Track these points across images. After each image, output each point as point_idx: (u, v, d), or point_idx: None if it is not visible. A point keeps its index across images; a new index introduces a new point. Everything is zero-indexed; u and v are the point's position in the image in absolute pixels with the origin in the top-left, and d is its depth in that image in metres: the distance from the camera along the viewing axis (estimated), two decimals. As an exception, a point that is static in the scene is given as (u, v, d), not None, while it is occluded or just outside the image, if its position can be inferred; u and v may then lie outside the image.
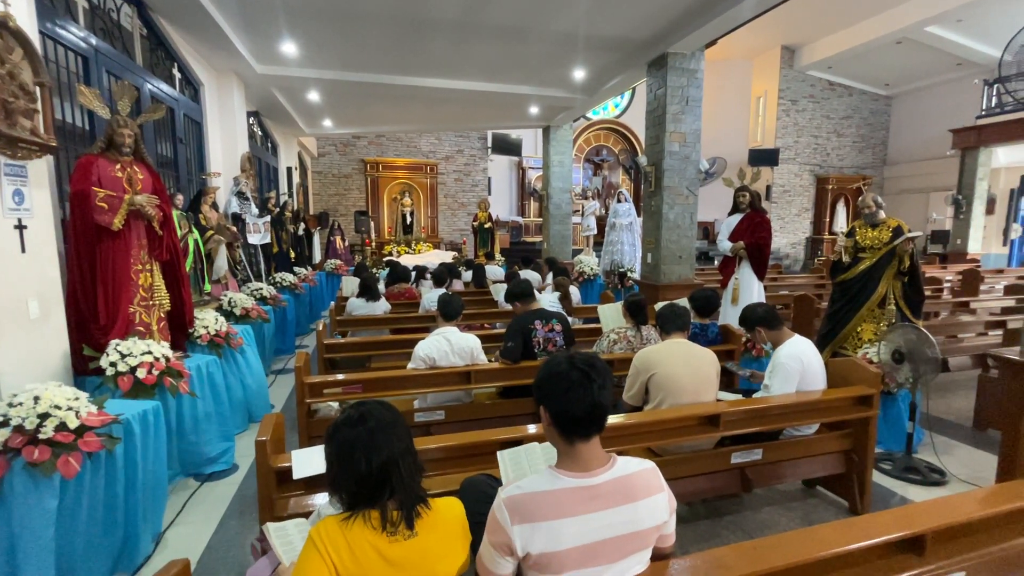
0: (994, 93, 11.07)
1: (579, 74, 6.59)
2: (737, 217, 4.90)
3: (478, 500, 1.76)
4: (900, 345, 3.22)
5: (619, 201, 7.08)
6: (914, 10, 10.86)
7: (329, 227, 9.80)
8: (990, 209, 12.13)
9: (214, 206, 4.96)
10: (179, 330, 3.43)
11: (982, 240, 11.83)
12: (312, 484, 1.93)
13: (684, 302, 3.35)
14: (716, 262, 8.70)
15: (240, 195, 5.74)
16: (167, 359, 2.94)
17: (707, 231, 14.47)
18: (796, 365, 2.70)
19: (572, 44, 5.68)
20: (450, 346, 3.12)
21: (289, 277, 6.65)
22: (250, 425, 4.04)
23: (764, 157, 13.78)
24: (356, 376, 3.05)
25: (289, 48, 5.72)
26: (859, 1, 10.99)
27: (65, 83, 3.44)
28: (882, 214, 3.82)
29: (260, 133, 8.19)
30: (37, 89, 2.60)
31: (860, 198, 3.91)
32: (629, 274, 7.09)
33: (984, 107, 11.13)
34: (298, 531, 1.43)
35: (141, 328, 3.09)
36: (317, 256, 9.05)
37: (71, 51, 3.49)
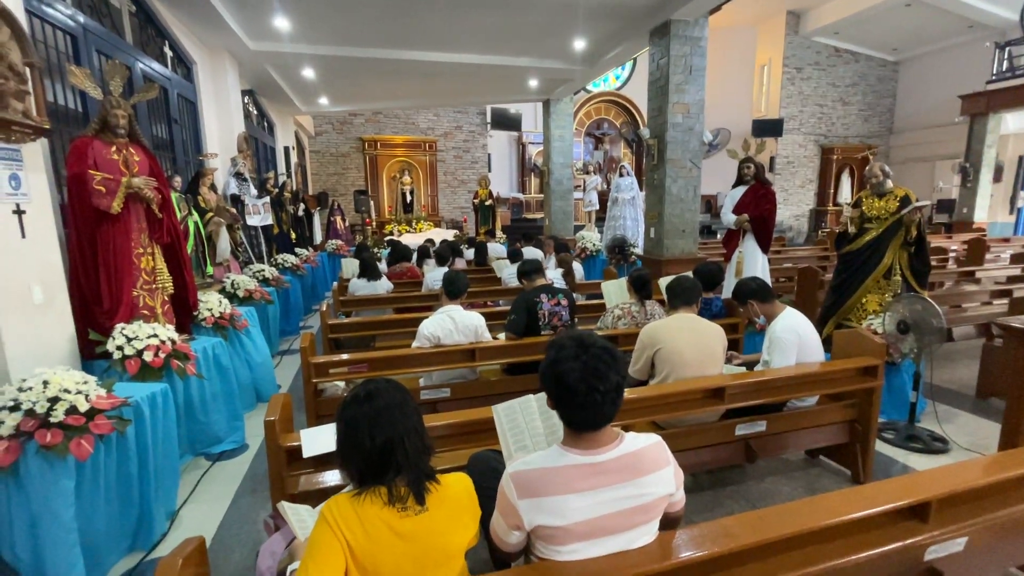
0: (1006, 57, 10.78)
1: (579, 44, 6.43)
2: (741, 189, 4.84)
3: (485, 474, 1.79)
4: (905, 316, 3.21)
5: (621, 175, 6.99)
6: (925, -29, 10.51)
7: (329, 207, 9.74)
8: (997, 177, 11.94)
9: (212, 188, 4.91)
10: (183, 313, 3.43)
11: (988, 209, 11.69)
12: (322, 462, 1.95)
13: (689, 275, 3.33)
14: (720, 235, 8.64)
15: (238, 176, 5.68)
16: (173, 342, 2.95)
17: (710, 204, 14.33)
18: (792, 338, 2.70)
19: (572, 12, 5.52)
20: (454, 324, 3.12)
21: (291, 258, 6.64)
22: (258, 405, 4.09)
23: (768, 128, 13.55)
24: (361, 355, 3.06)
25: (281, 23, 5.58)
26: (868, -38, 10.63)
27: (55, 64, 3.37)
28: (889, 183, 3.77)
29: (256, 112, 8.07)
30: (27, 70, 2.54)
31: (867, 167, 3.85)
32: (632, 249, 7.04)
33: (995, 71, 10.84)
34: (310, 514, 1.45)
35: (145, 312, 3.09)
36: (318, 237, 9.02)
37: (59, 30, 3.41)
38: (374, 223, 11.57)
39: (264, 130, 8.41)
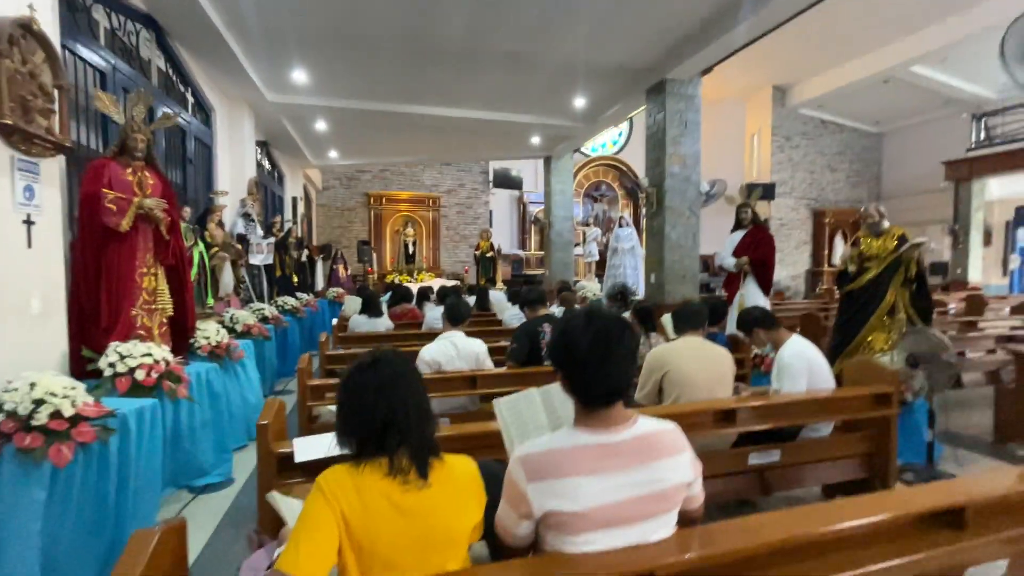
0: (983, 127, 11.40)
1: (580, 102, 6.80)
2: (740, 233, 4.93)
3: (489, 482, 1.69)
4: (915, 349, 3.16)
5: (620, 226, 7.16)
6: (900, 50, 11.27)
7: (332, 256, 9.87)
8: (987, 241, 12.24)
9: (220, 224, 4.99)
10: (180, 336, 3.38)
11: (982, 270, 11.88)
12: (316, 471, 1.84)
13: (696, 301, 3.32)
14: (719, 289, 8.67)
15: (246, 216, 5.80)
16: (167, 362, 2.88)
17: (707, 264, 14.52)
18: (802, 364, 2.65)
19: (573, 73, 5.88)
20: (456, 351, 3.07)
21: (291, 300, 6.62)
22: (247, 442, 3.91)
23: (769, 192, 13.99)
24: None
25: (300, 76, 5.92)
26: (846, 41, 11.42)
27: (83, 105, 3.52)
28: (886, 223, 3.85)
29: (268, 164, 8.37)
30: (55, 92, 2.66)
31: (862, 208, 3.95)
32: (632, 297, 7.06)
33: (974, 140, 11.42)
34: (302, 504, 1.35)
35: (142, 332, 3.04)
36: (320, 284, 9.07)
37: (90, 66, 3.60)
38: (376, 274, 11.68)
39: (274, 180, 8.69)
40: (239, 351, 3.93)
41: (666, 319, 3.72)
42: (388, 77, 6.13)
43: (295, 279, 7.33)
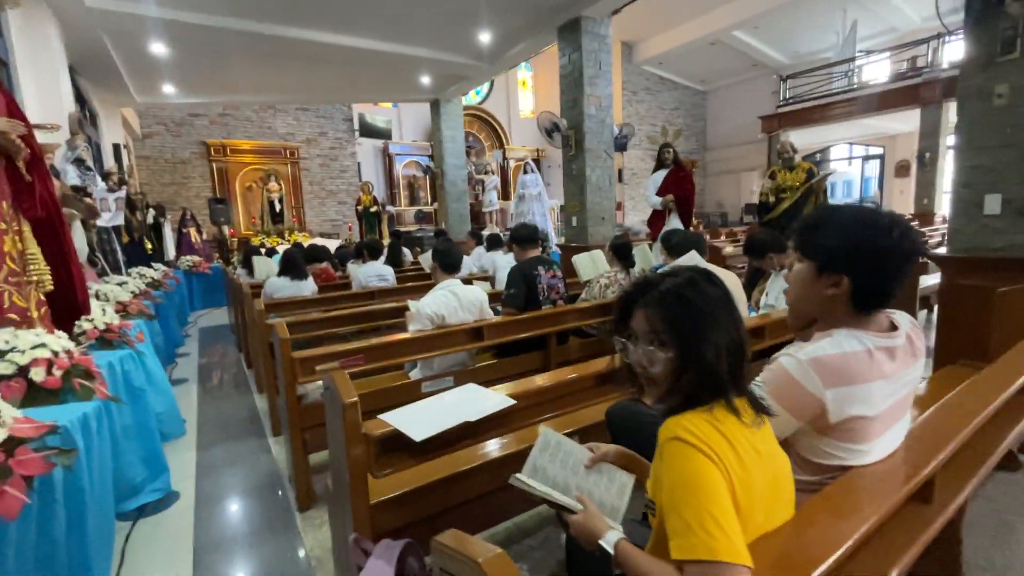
0: (787, 87, 13.70)
1: (485, 37, 6.35)
2: (662, 173, 5.21)
3: (629, 422, 1.60)
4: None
5: (525, 172, 7.07)
6: (724, 16, 12.88)
7: (181, 217, 8.06)
8: (790, 183, 15.01)
9: (55, 172, 3.67)
10: (66, 319, 2.44)
11: (786, 209, 14.56)
12: (413, 449, 1.47)
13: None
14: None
15: (78, 163, 4.36)
16: (70, 354, 2.06)
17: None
18: None
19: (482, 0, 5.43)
20: (458, 301, 2.73)
21: (151, 272, 5.30)
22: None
23: (616, 144, 15.10)
24: (355, 346, 2.49)
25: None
26: (682, 4, 12.63)
27: None
28: (797, 157, 4.37)
29: (75, 97, 6.36)
30: None
31: (779, 143, 4.42)
32: (545, 243, 7.11)
33: (782, 98, 13.68)
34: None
35: (14, 315, 2.12)
36: (170, 251, 7.39)
37: None
38: (236, 237, 9.94)
39: (86, 120, 6.67)
40: (138, 333, 3.02)
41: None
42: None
43: (148, 245, 5.86)
